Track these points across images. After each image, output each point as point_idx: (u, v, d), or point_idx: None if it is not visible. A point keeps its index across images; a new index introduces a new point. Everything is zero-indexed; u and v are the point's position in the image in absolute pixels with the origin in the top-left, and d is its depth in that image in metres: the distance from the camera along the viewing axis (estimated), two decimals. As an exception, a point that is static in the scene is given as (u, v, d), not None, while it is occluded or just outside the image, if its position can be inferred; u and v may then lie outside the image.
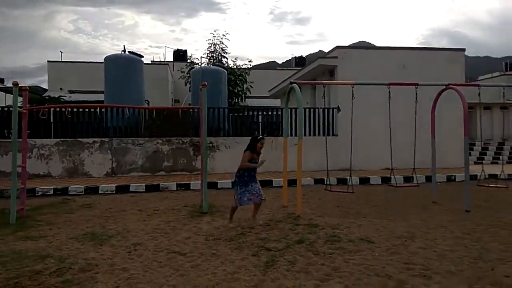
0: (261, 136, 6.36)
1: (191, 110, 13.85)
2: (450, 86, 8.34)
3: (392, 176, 8.65)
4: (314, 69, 15.97)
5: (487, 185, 9.22)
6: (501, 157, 15.82)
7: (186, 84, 22.68)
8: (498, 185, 9.67)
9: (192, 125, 13.58)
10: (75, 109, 13.10)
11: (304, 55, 38.03)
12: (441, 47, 21.19)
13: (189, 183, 11.10)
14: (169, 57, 34.42)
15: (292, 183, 9.30)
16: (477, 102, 10.72)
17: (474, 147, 18.19)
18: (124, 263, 4.65)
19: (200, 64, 20.86)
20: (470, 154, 17.25)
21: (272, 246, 5.20)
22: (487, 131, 23.20)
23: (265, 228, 6.17)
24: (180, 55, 31.15)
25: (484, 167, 9.95)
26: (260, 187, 6.42)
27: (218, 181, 11.26)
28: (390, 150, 8.51)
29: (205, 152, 7.56)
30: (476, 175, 11.13)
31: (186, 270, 4.38)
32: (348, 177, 8.61)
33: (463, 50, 15.64)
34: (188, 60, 24.48)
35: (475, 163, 16.64)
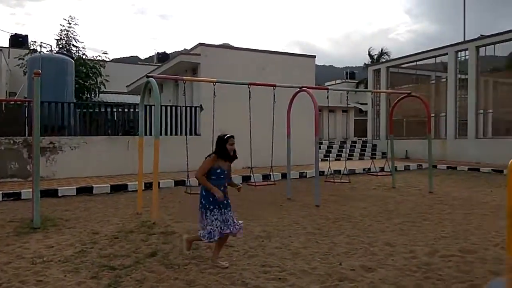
0: (229, 135, 4.47)
1: (26, 103, 11.69)
2: (304, 88, 8.82)
3: (252, 175, 8.70)
4: (177, 66, 15.36)
5: (332, 180, 10.08)
6: (343, 154, 17.85)
7: (25, 74, 19.36)
8: (342, 180, 10.72)
9: (27, 122, 11.48)
10: None
11: (168, 51, 36.81)
12: (296, 53, 23.33)
13: (20, 192, 9.25)
14: (5, 43, 29.14)
15: (150, 186, 8.56)
16: (324, 105, 11.71)
17: (321, 146, 20.15)
18: None
19: (41, 51, 18.00)
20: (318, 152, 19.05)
21: (118, 263, 4.48)
22: (332, 131, 26.18)
23: (111, 242, 5.37)
24: (19, 40, 26.57)
25: (330, 163, 10.88)
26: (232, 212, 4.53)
27: (59, 187, 9.68)
28: (250, 149, 8.54)
29: (36, 154, 6.25)
30: (324, 171, 12.18)
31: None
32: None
33: (314, 57, 17.14)
34: (31, 47, 20.96)
35: (322, 160, 18.39)
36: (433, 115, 20.18)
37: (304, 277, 4.07)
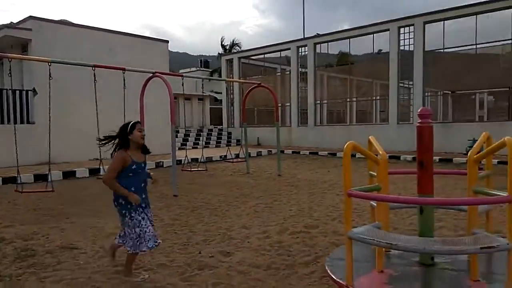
0: (135, 121, 3.74)
1: None
2: (157, 74, 8.43)
3: (101, 167, 7.95)
4: (0, 41, 12.91)
5: (190, 169, 10.02)
6: (200, 142, 17.97)
7: None
8: (199, 168, 10.74)
9: None
10: None
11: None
12: (149, 36, 22.02)
13: None
14: None
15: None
16: (179, 93, 11.50)
17: (178, 134, 19.87)
18: None
19: None
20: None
21: None
22: (188, 120, 26.10)
23: None
24: None
25: (187, 152, 10.77)
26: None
27: None
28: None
29: None
30: (181, 160, 12.02)
31: None
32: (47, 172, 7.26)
33: (167, 42, 16.63)
34: None
35: (179, 149, 18.17)
36: (280, 104, 22.08)
37: (162, 271, 3.88)
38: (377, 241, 2.73)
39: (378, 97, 20.49)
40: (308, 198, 7.51)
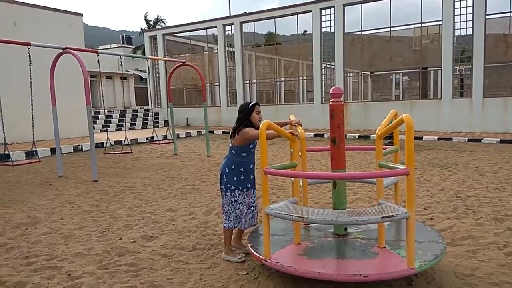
0: (254, 102, 3.66)
1: None
2: (68, 50, 7.74)
3: (9, 153, 7.22)
4: None
5: (113, 152, 9.52)
6: (124, 124, 17.12)
7: None
8: (123, 151, 10.26)
9: None
10: None
11: None
12: (59, 8, 19.58)
13: None
14: None
15: None
16: (99, 71, 10.76)
17: (99, 116, 18.73)
18: None
19: None
20: (95, 123, 17.66)
21: None
22: (111, 100, 24.69)
23: None
24: None
25: (109, 134, 10.22)
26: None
27: None
28: (1, 122, 7.00)
29: None
30: (103, 143, 11.38)
31: None
32: None
33: (81, 15, 15.34)
34: None
35: (101, 131, 17.18)
36: (209, 84, 21.77)
37: (78, 260, 3.66)
38: (290, 215, 2.83)
39: (304, 77, 21.10)
40: (235, 177, 7.56)
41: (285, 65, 22.30)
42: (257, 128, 3.34)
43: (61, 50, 7.81)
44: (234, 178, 3.58)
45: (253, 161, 3.72)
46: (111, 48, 31.72)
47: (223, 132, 17.39)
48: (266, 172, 3.02)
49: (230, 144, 3.63)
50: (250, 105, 3.59)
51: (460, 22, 14.43)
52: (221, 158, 10.29)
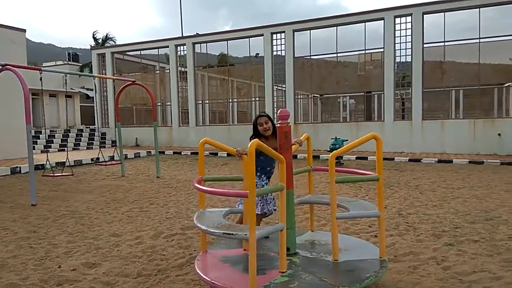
0: (259, 114, 4.02)
1: None
2: (7, 66, 7.31)
3: None
4: None
5: (52, 174, 9.01)
6: (67, 144, 16.30)
7: None
8: (64, 173, 9.73)
9: None
10: None
11: None
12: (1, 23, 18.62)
13: None
14: None
15: None
16: (41, 89, 10.22)
17: (40, 135, 17.69)
18: None
19: None
20: (36, 143, 16.66)
21: None
22: (54, 119, 23.49)
23: None
24: None
25: (50, 155, 9.66)
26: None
27: None
28: None
29: None
30: (43, 165, 10.74)
31: None
32: None
33: (24, 30, 14.63)
34: None
35: (42, 151, 16.21)
36: (160, 104, 21.41)
37: (10, 294, 3.37)
38: (204, 228, 3.03)
39: (257, 98, 21.42)
40: (186, 199, 7.42)
41: (238, 86, 22.54)
42: (268, 137, 3.81)
43: (0, 67, 7.36)
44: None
45: (263, 182, 3.97)
46: (56, 65, 30.38)
47: (174, 153, 17.08)
48: (195, 187, 3.26)
49: None
50: (255, 118, 3.96)
51: (400, 49, 15.51)
52: (172, 178, 10.07)
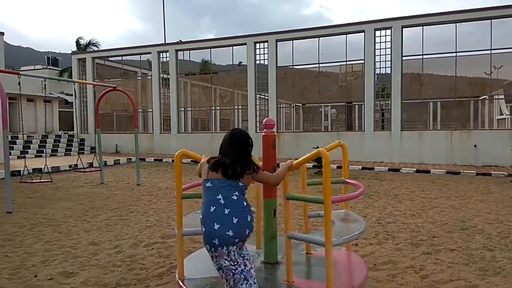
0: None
1: None
2: (-15, 69, 7.13)
3: None
4: None
5: (30, 181, 8.78)
6: (45, 150, 15.90)
7: None
8: (42, 180, 9.49)
9: None
10: None
11: None
12: None
13: None
14: None
15: None
16: (19, 93, 9.98)
17: (17, 141, 17.23)
18: None
19: None
20: (13, 148, 16.22)
21: None
22: (31, 124, 22.91)
23: None
24: None
25: (28, 161, 9.42)
26: None
27: None
28: None
29: None
30: (20, 171, 10.46)
31: None
32: None
33: (2, 33, 14.32)
34: None
35: (19, 157, 15.78)
36: (141, 110, 21.18)
37: (-18, 305, 3.25)
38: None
39: (239, 107, 21.45)
40: (167, 206, 7.34)
41: (220, 94, 22.55)
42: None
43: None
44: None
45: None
46: (34, 69, 29.72)
47: (155, 160, 16.89)
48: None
49: (240, 184, 2.67)
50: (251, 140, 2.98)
51: (380, 61, 15.84)
52: (152, 186, 9.94)
